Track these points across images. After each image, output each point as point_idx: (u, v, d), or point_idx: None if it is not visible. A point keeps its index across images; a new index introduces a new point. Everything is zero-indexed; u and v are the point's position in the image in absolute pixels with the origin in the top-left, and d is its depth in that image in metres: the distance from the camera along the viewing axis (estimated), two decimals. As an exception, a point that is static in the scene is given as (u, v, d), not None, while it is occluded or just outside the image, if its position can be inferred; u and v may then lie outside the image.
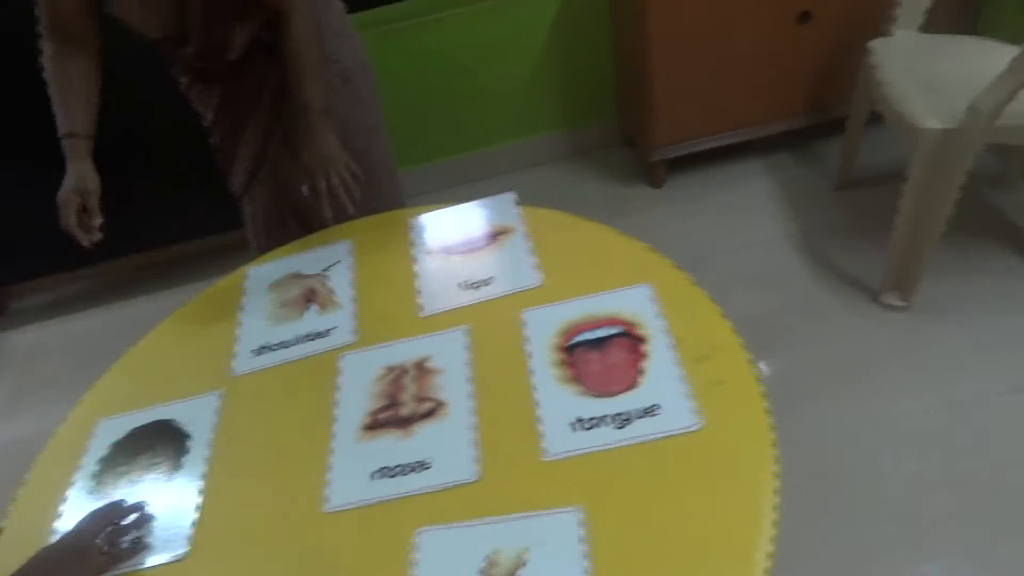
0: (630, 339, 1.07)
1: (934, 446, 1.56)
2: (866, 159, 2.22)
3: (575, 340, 1.08)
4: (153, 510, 0.99)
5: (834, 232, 2.12)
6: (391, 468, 0.97)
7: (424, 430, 1.01)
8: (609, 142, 2.63)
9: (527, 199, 1.37)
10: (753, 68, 2.17)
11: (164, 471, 1.05)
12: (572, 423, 0.96)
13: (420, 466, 0.96)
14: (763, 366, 1.28)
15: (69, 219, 1.24)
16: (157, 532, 0.96)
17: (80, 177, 1.26)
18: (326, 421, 1.05)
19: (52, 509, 1.04)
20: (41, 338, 2.52)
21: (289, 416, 1.09)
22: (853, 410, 1.66)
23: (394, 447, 0.99)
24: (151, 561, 0.93)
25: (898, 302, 1.82)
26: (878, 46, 1.86)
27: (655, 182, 2.40)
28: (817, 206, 2.23)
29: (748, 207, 2.29)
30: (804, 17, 2.07)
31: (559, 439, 0.95)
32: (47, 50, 1.29)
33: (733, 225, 2.24)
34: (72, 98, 1.29)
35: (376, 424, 1.03)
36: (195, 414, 1.12)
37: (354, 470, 0.98)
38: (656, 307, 1.10)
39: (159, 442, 1.09)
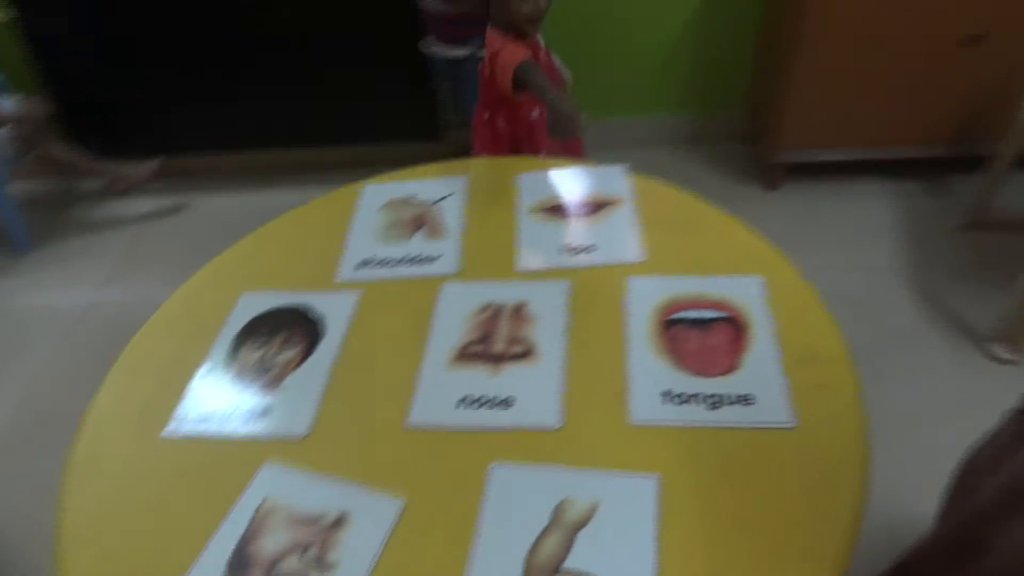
0: (734, 326, 1.05)
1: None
2: (1004, 202, 2.09)
3: (677, 316, 1.07)
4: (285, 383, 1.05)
5: (949, 272, 2.02)
6: (476, 399, 0.98)
7: (513, 370, 1.02)
8: (731, 135, 2.56)
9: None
10: (903, 86, 2.06)
11: (297, 355, 1.09)
12: (663, 395, 0.95)
13: (504, 404, 0.97)
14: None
15: None
16: (285, 409, 1.01)
17: None
18: (420, 343, 1.08)
19: (191, 367, 1.09)
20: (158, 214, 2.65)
21: (389, 331, 1.12)
22: (935, 455, 1.58)
23: (481, 381, 1.01)
24: (278, 433, 0.98)
25: (1007, 355, 1.72)
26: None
27: (771, 184, 2.33)
28: (937, 242, 2.12)
29: (863, 229, 2.19)
30: (972, 40, 1.95)
31: (647, 407, 0.94)
32: None
33: (843, 245, 2.15)
34: None
35: (467, 355, 1.05)
36: (331, 309, 1.16)
37: (440, 394, 1.00)
38: (765, 301, 1.08)
39: (296, 326, 1.14)
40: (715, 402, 0.94)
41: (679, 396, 0.95)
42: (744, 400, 0.94)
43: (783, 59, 2.10)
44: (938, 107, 2.10)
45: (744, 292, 1.09)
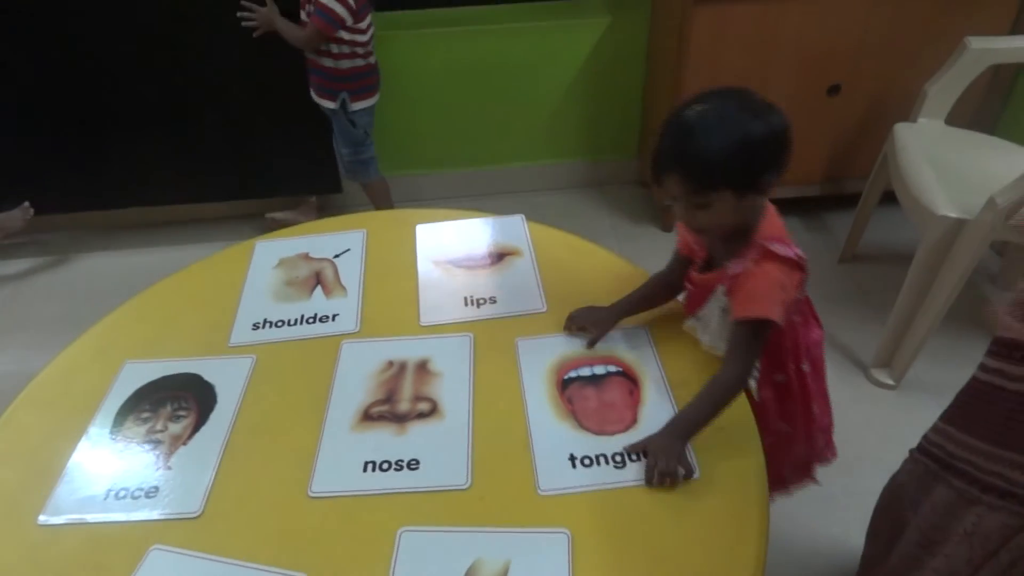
0: (627, 379, 1.06)
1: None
2: (872, 236, 2.25)
3: (571, 375, 1.07)
4: (172, 461, 0.98)
5: (832, 302, 2.15)
6: (381, 463, 0.95)
7: (419, 429, 1.00)
8: (625, 179, 2.65)
9: (536, 221, 1.37)
10: (777, 131, 2.20)
11: (187, 427, 1.03)
12: (569, 459, 0.94)
13: (412, 465, 0.95)
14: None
15: None
16: (175, 486, 0.95)
17: None
18: (321, 406, 1.04)
19: (68, 447, 1.01)
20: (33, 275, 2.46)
21: (288, 395, 1.08)
22: (823, 476, 1.66)
23: (387, 442, 0.98)
24: (168, 514, 0.91)
25: (887, 380, 1.84)
26: (902, 130, 1.90)
27: (665, 225, 2.42)
28: (819, 274, 2.25)
29: (751, 265, 2.30)
30: (834, 90, 2.12)
31: (556, 475, 0.92)
32: None
33: (734, 280, 2.25)
34: None
35: (371, 417, 1.02)
36: (224, 375, 1.10)
37: (344, 459, 0.96)
38: (653, 348, 1.10)
39: (185, 396, 1.07)
40: (621, 460, 0.94)
41: (585, 459, 0.94)
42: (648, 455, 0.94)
43: (668, 108, 2.20)
44: (812, 150, 2.25)
45: (632, 342, 1.11)
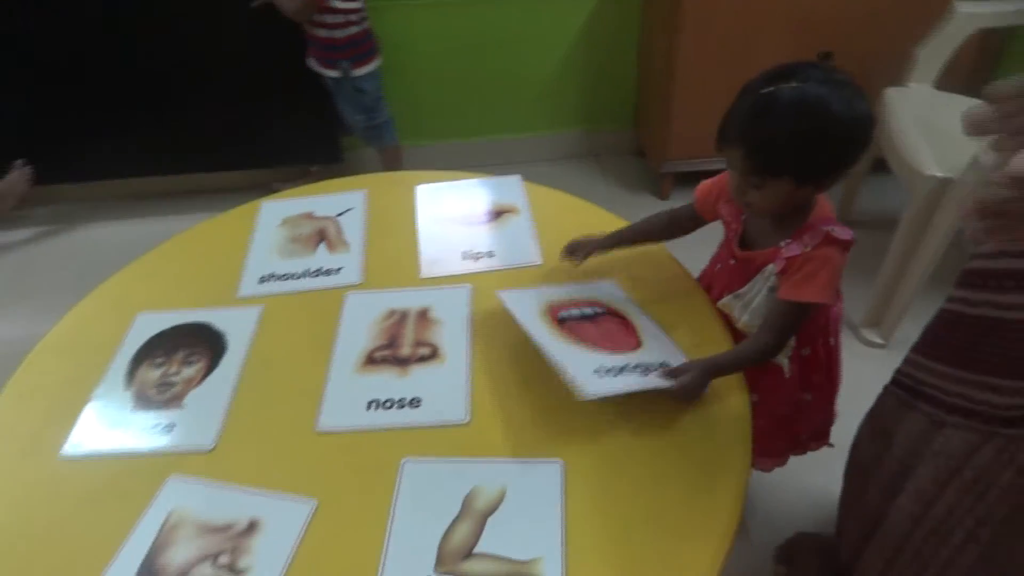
0: (617, 316, 1.11)
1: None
2: (864, 203, 2.29)
3: (563, 315, 1.10)
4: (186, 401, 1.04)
5: (824, 267, 2.19)
6: (384, 401, 1.00)
7: (420, 371, 1.05)
8: (621, 149, 2.69)
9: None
10: (771, 99, 2.24)
11: (199, 370, 1.08)
12: (596, 372, 0.95)
13: (414, 403, 1.00)
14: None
15: None
16: (189, 423, 1.00)
17: None
18: (326, 351, 1.09)
19: (86, 390, 1.07)
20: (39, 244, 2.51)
21: (295, 341, 1.13)
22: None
23: (390, 383, 1.03)
24: (183, 447, 0.97)
25: (877, 339, 1.89)
26: (892, 94, 1.93)
27: (661, 193, 2.46)
28: (811, 240, 2.29)
29: (745, 231, 2.34)
30: (826, 56, 2.14)
31: (593, 382, 0.92)
32: None
33: (728, 246, 2.30)
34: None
35: (374, 360, 1.07)
36: (234, 323, 1.15)
37: (349, 398, 1.01)
38: (627, 295, 1.15)
39: (196, 343, 1.13)
40: (644, 369, 0.97)
41: (611, 369, 0.96)
42: (663, 366, 0.98)
43: (663, 78, 2.24)
44: (804, 118, 2.29)
45: (606, 291, 1.16)
